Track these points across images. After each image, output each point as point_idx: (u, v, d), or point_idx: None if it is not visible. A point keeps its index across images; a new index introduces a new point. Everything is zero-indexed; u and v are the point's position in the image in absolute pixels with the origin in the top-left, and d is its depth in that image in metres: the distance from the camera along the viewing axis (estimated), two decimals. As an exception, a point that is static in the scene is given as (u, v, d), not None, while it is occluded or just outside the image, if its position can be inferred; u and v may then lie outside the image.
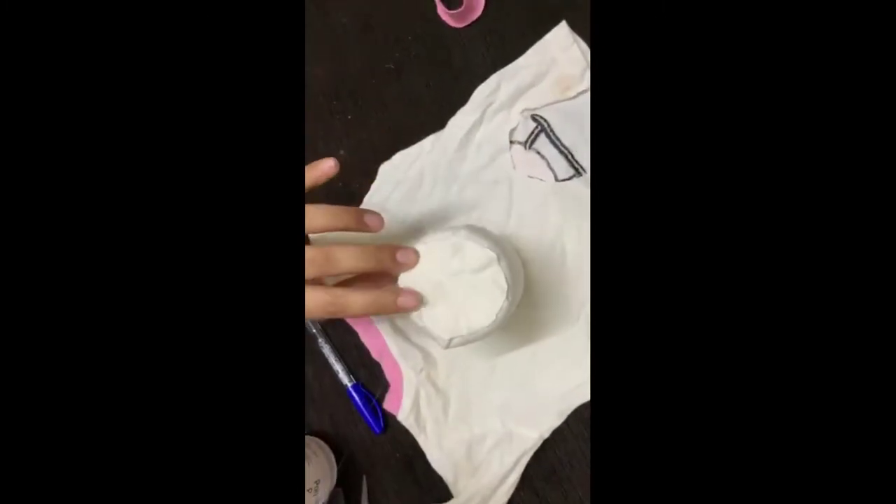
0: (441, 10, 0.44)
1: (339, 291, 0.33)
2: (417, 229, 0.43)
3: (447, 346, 0.34)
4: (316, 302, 0.32)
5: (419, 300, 0.34)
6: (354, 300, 0.33)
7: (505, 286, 0.33)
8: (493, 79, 0.42)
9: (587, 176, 0.41)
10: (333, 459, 0.44)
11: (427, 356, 0.43)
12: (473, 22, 0.44)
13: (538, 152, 0.42)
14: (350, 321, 0.45)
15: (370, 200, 0.45)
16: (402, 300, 0.33)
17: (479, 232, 0.35)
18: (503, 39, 0.43)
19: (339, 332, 0.45)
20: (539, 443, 0.41)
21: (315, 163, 0.36)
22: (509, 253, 0.36)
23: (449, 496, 0.42)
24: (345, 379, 0.45)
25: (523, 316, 0.41)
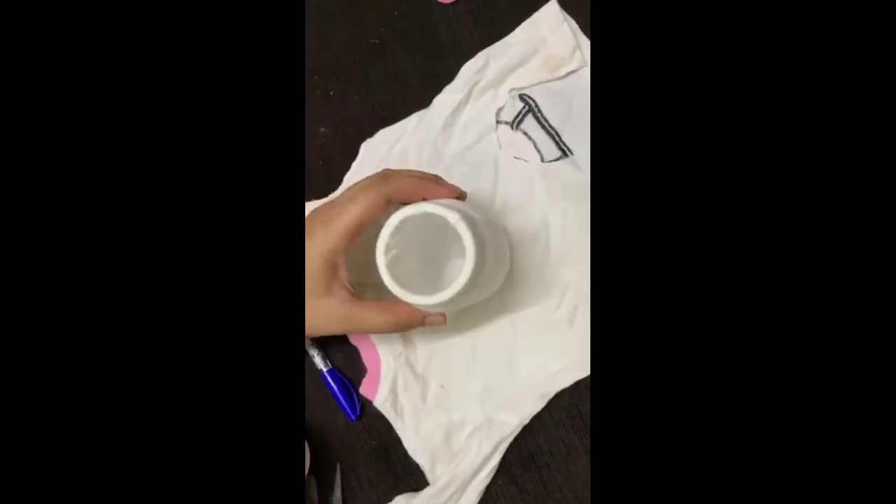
0: (429, -14, 0.43)
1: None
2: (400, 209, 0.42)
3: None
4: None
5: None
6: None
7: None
8: (481, 56, 0.42)
9: (573, 157, 0.40)
10: (307, 447, 0.42)
11: (407, 340, 0.42)
12: (461, -2, 0.43)
13: (525, 133, 0.41)
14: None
15: (351, 179, 0.44)
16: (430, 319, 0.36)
17: (449, 202, 0.34)
18: (492, 16, 0.42)
19: (315, 314, 0.44)
20: (519, 429, 0.40)
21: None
22: (488, 230, 0.35)
23: (426, 484, 0.41)
24: (320, 364, 0.43)
25: (505, 298, 0.41)
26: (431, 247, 0.38)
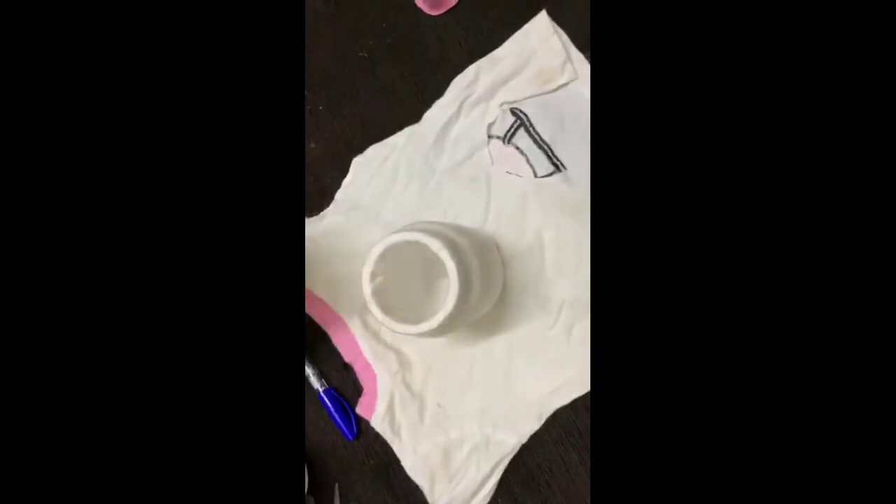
0: (416, -3, 0.42)
1: None
2: (391, 226, 0.41)
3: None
4: None
5: None
6: None
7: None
8: (471, 70, 0.41)
9: (567, 172, 0.40)
10: (305, 467, 0.42)
11: (402, 358, 0.42)
12: (450, 9, 0.42)
13: (517, 147, 0.40)
14: (321, 323, 0.43)
15: (343, 195, 0.43)
16: None
17: (433, 228, 0.34)
18: (481, 28, 0.41)
19: (310, 335, 0.44)
20: (517, 448, 0.40)
21: None
22: (475, 253, 0.34)
23: (424, 503, 0.41)
24: (316, 384, 0.43)
25: (500, 316, 0.40)
26: (421, 266, 0.38)
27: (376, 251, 0.33)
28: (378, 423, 0.41)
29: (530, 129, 0.40)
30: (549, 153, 0.40)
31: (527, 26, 0.40)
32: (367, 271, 0.33)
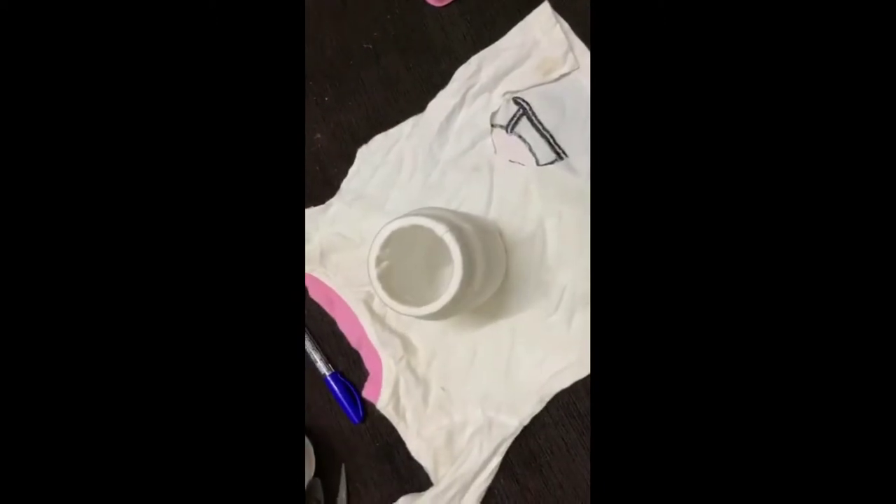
0: (420, -11, 0.43)
1: None
2: (396, 215, 0.42)
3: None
4: None
5: None
6: None
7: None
8: (474, 60, 0.41)
9: (569, 160, 0.40)
10: (311, 450, 0.43)
11: (407, 344, 0.43)
12: (454, 0, 0.43)
13: (520, 136, 0.41)
14: (328, 309, 0.44)
15: (348, 185, 0.44)
16: None
17: (438, 213, 0.34)
18: (484, 19, 0.42)
19: (317, 320, 0.45)
20: (519, 430, 0.40)
21: None
22: (479, 238, 0.35)
23: (429, 485, 0.42)
24: (323, 368, 0.44)
25: (503, 302, 0.41)
26: (426, 253, 0.39)
27: (382, 236, 0.33)
28: (383, 406, 0.42)
29: (533, 118, 0.41)
30: (552, 141, 0.41)
31: (529, 17, 0.41)
32: (372, 256, 0.34)
